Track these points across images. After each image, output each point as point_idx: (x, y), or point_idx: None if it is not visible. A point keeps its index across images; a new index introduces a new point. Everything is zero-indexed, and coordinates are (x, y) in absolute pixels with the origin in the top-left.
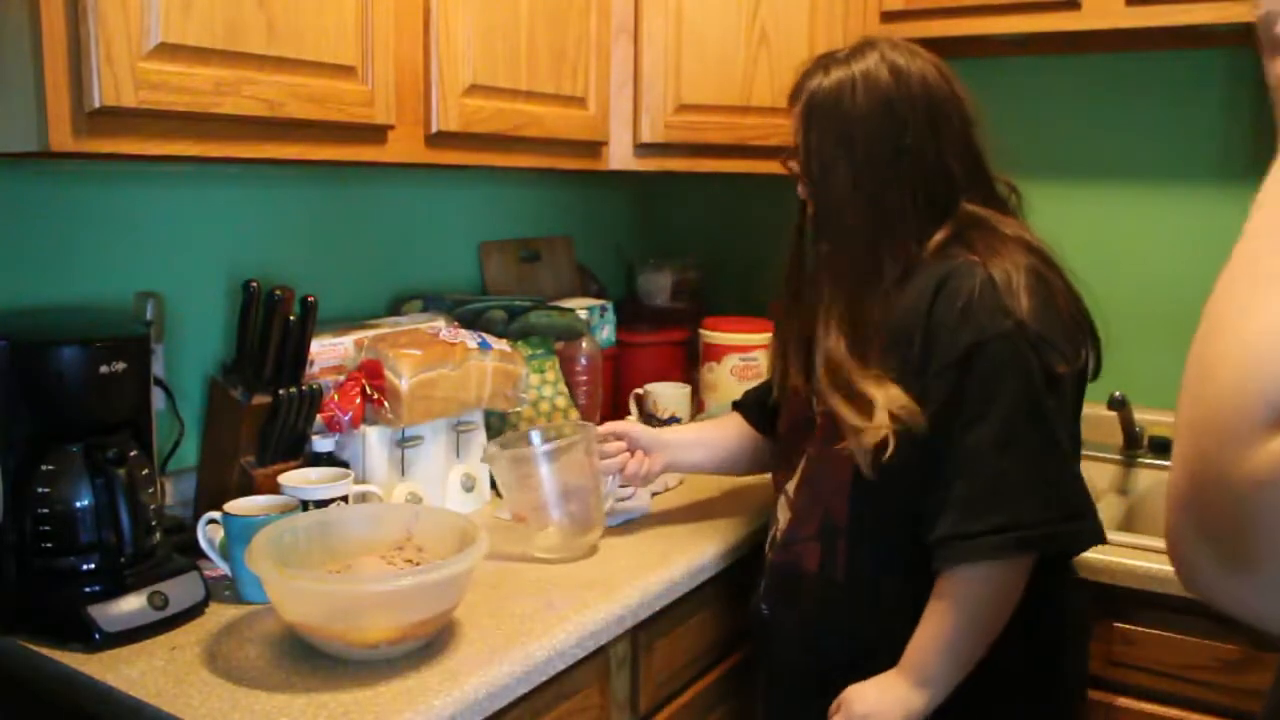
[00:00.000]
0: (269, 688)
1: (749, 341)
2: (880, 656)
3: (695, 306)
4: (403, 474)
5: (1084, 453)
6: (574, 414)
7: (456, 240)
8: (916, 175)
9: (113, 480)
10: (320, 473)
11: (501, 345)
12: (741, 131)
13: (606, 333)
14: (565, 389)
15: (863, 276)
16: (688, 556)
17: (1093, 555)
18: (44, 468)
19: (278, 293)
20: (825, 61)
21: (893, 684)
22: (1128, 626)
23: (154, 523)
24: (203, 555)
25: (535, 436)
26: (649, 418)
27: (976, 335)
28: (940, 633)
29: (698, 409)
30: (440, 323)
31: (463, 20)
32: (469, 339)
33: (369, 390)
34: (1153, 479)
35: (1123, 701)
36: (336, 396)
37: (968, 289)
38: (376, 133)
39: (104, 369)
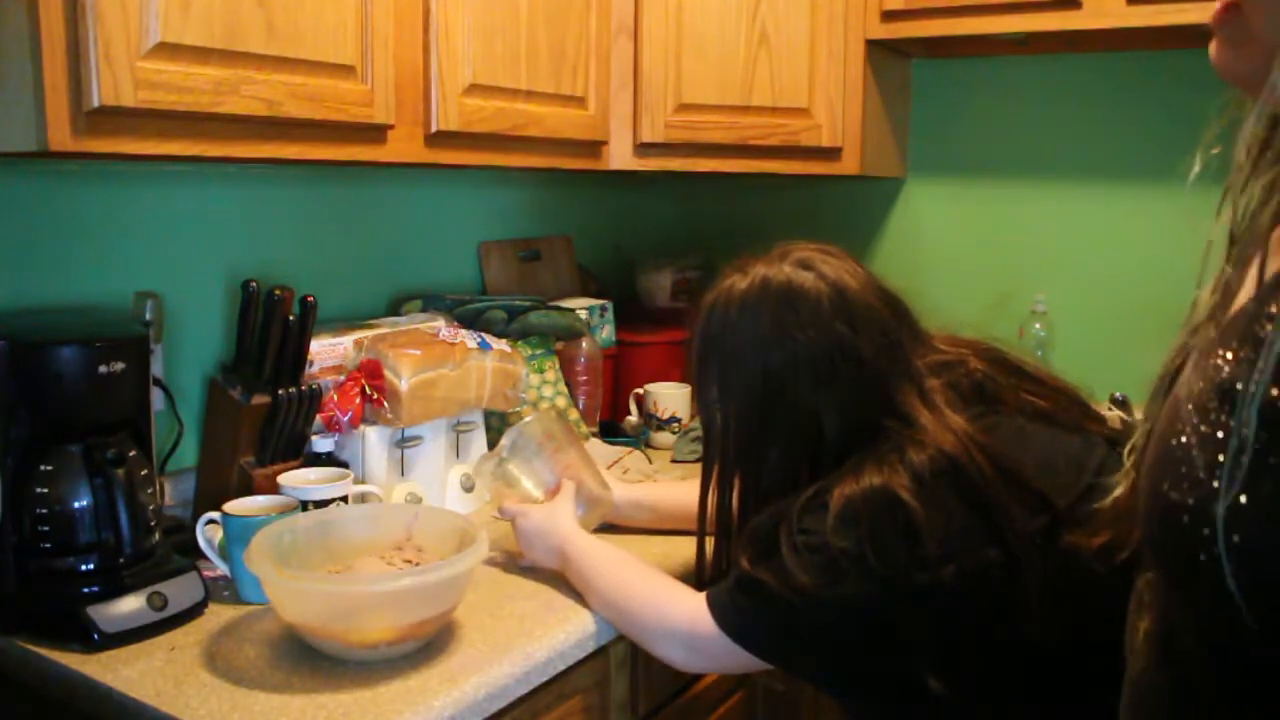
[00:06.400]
0: (268, 688)
1: None
2: None
3: (695, 306)
4: (402, 474)
5: None
6: (574, 414)
7: (456, 240)
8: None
9: (112, 480)
10: (320, 473)
11: (501, 345)
12: (741, 131)
13: (606, 333)
14: (565, 389)
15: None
16: (686, 556)
17: None
18: (43, 468)
19: (277, 293)
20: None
21: (559, 533)
22: None
23: (153, 523)
24: (202, 555)
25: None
26: (649, 418)
27: None
28: (616, 577)
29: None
30: (440, 323)
31: (462, 20)
32: (469, 339)
33: (368, 390)
34: None
35: None
36: (336, 396)
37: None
38: (376, 132)
39: (103, 369)
